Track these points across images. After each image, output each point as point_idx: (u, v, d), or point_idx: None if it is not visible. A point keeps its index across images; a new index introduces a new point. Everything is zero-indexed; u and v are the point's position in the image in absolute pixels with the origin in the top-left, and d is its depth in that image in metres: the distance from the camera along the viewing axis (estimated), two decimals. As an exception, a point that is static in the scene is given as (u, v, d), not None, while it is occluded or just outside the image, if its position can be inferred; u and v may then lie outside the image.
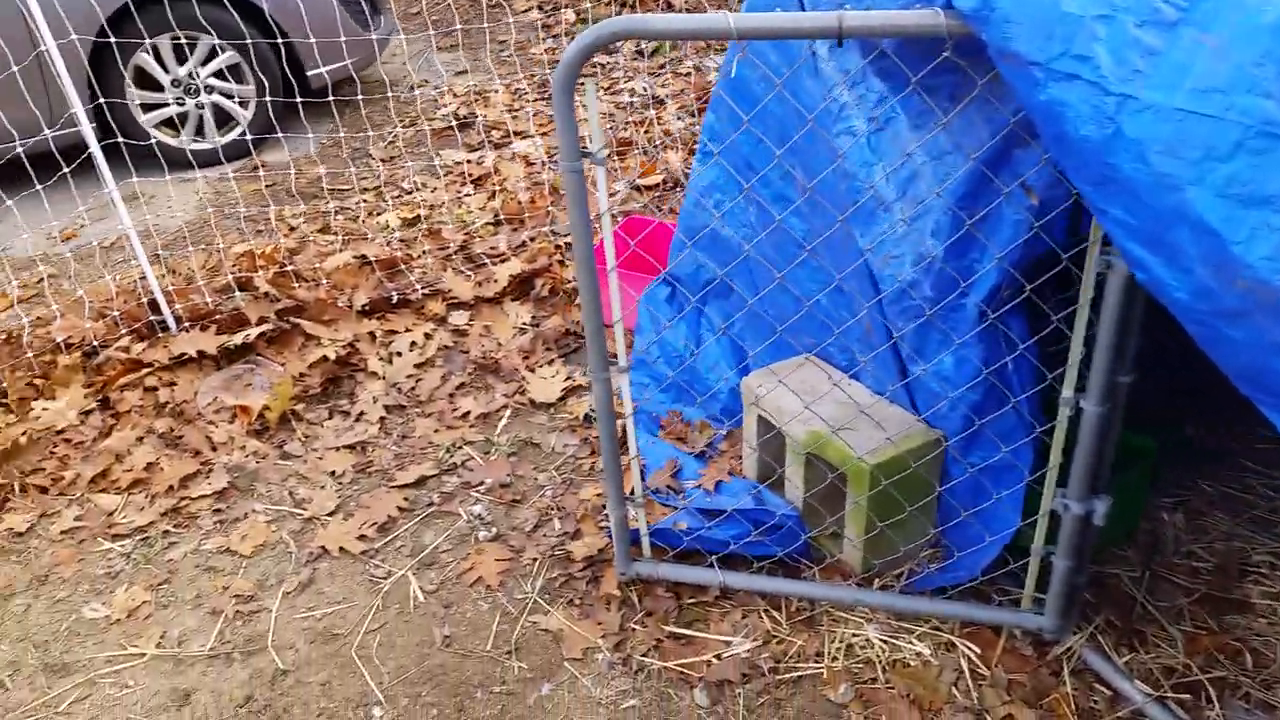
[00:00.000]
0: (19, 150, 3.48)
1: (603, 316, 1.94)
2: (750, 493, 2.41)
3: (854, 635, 2.17)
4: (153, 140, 4.50)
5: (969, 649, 2.11)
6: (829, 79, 2.08)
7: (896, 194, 2.01)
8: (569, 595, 2.31)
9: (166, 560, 2.49)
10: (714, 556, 2.28)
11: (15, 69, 3.77)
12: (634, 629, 2.20)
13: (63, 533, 2.60)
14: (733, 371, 2.83)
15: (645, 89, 5.33)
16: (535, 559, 2.42)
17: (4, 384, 2.98)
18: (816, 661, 2.11)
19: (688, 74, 5.45)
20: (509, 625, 2.24)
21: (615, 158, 4.48)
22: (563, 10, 6.70)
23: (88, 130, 2.95)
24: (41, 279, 3.79)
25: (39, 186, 3.36)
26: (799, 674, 2.09)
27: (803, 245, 2.36)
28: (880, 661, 2.10)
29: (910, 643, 2.14)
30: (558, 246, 3.70)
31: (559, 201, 4.02)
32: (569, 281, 3.47)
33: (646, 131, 4.74)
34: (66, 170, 3.34)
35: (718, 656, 2.12)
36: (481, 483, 2.69)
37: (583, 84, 1.75)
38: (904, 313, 2.04)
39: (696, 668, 2.10)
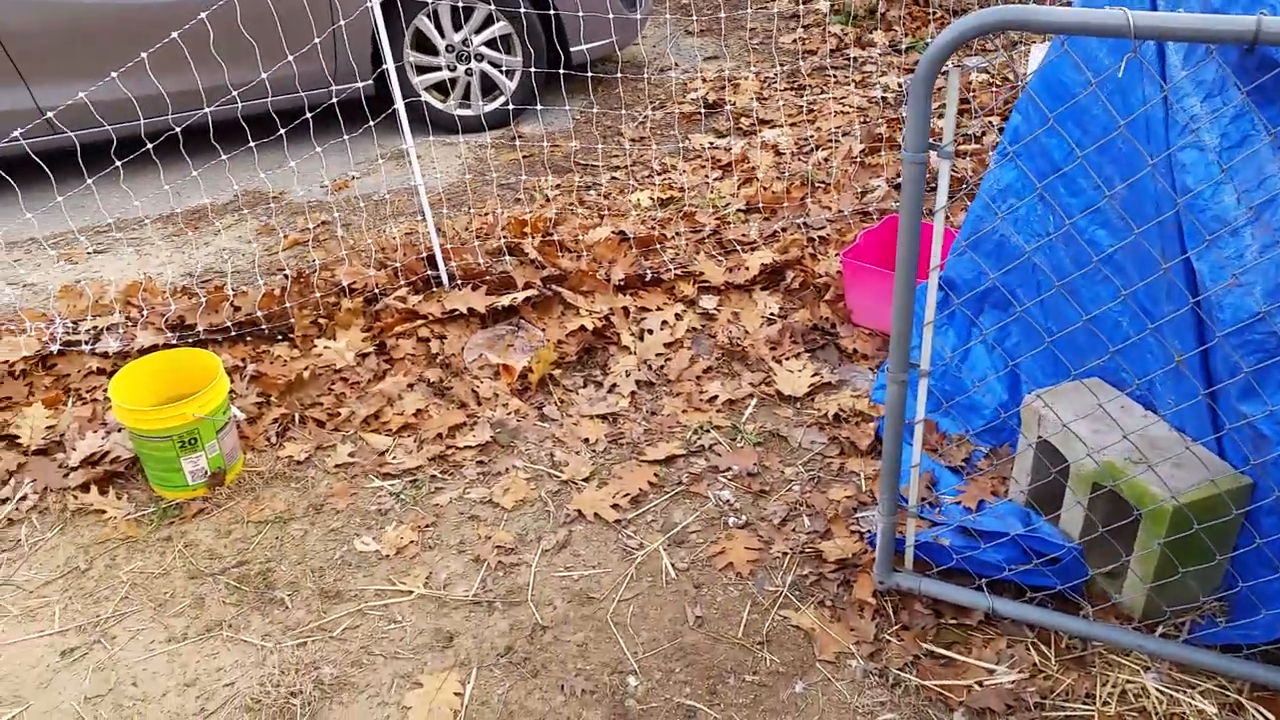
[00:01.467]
0: (306, 101, 3.75)
1: (909, 315, 1.87)
2: (1021, 518, 2.29)
3: (1129, 681, 2.02)
4: (423, 102, 4.75)
5: (1261, 714, 1.93)
6: (1180, 88, 1.93)
7: (1249, 218, 1.84)
8: (820, 595, 2.27)
9: (433, 504, 2.62)
10: (982, 580, 2.18)
11: (320, 34, 4.06)
12: (889, 640, 2.14)
13: (337, 466, 2.78)
14: (1000, 386, 2.70)
15: (901, 84, 5.18)
16: (785, 553, 2.39)
17: (292, 320, 3.21)
18: (1086, 703, 1.99)
19: (944, 71, 5.25)
20: (759, 616, 2.23)
21: (868, 153, 4.37)
22: (814, 1, 6.60)
23: (396, 85, 3.12)
24: (320, 224, 4.07)
25: (317, 147, 3.61)
26: (1067, 713, 1.97)
27: (1110, 261, 2.21)
28: (1157, 713, 1.95)
29: (1193, 698, 1.98)
30: (810, 240, 3.64)
31: (813, 194, 3.96)
32: (820, 276, 3.41)
33: (900, 128, 4.60)
34: (343, 129, 3.56)
35: (979, 683, 2.03)
36: (729, 469, 2.68)
37: (946, 73, 1.68)
38: (1244, 346, 1.87)
39: (956, 691, 2.02)
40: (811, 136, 4.60)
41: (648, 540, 2.46)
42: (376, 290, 3.32)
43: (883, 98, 5.03)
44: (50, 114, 3.60)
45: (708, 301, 3.37)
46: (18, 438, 2.83)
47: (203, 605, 2.35)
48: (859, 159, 4.32)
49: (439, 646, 2.21)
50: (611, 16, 4.62)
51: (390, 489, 2.69)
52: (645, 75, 5.49)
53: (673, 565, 2.38)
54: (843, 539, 2.40)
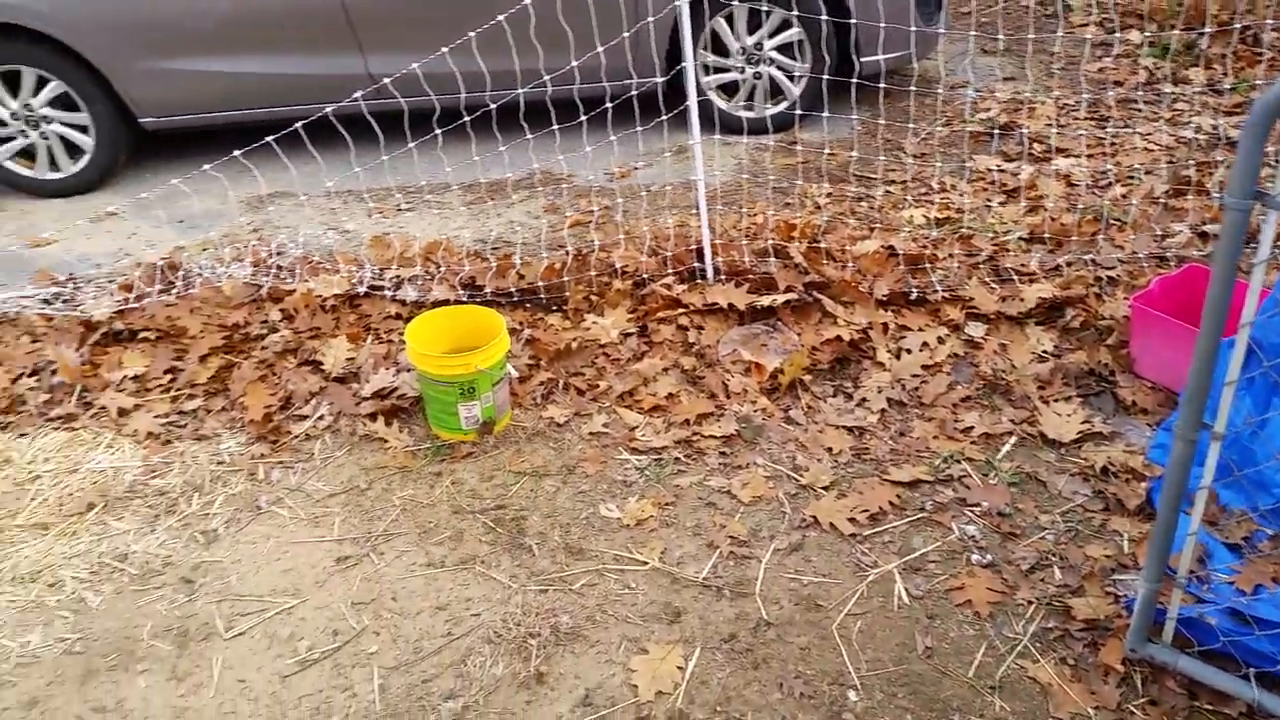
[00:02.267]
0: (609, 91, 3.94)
1: (1208, 371, 1.74)
2: (1310, 612, 2.07)
3: None
4: (710, 101, 4.88)
5: None
6: None
7: None
8: (1062, 652, 2.16)
9: (674, 485, 2.71)
10: (1249, 669, 1.99)
11: (629, 28, 4.26)
12: (1133, 713, 2.01)
13: (591, 434, 2.93)
14: (1302, 467, 2.44)
15: (1217, 126, 4.75)
16: (1030, 601, 2.29)
17: (568, 293, 3.41)
18: (1362, 834, 1.78)
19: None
20: (993, 660, 2.15)
21: (1172, 195, 4.05)
22: (1127, 31, 6.16)
23: (692, 83, 3.24)
24: (602, 208, 4.29)
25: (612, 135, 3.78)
26: (1336, 839, 1.77)
27: None
28: None
29: None
30: (1097, 279, 3.43)
31: (1106, 231, 3.72)
32: (1104, 318, 3.21)
33: (1211, 173, 4.23)
34: (638, 121, 3.71)
35: (1235, 780, 1.87)
36: (978, 504, 2.59)
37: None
38: None
39: (1205, 783, 1.87)
40: (1110, 171, 4.32)
41: (882, 560, 2.43)
42: (645, 275, 3.46)
43: (1194, 139, 4.64)
44: (386, 80, 3.99)
45: (974, 329, 3.26)
46: (322, 364, 3.19)
47: (461, 539, 2.56)
48: (1161, 200, 4.01)
49: (666, 619, 2.29)
50: (911, 29, 4.54)
51: (636, 463, 2.80)
52: (936, 91, 5.35)
53: (906, 591, 2.34)
54: (1095, 598, 2.27)
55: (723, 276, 3.43)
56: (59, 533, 2.67)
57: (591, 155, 4.40)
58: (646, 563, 2.46)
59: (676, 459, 2.81)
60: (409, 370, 3.10)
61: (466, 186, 4.58)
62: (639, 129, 4.07)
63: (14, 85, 4.61)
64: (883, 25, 4.48)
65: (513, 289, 3.44)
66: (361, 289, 3.48)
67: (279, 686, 2.18)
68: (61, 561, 2.57)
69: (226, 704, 2.15)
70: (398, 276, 3.53)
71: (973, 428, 2.86)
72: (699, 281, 3.45)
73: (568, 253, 3.64)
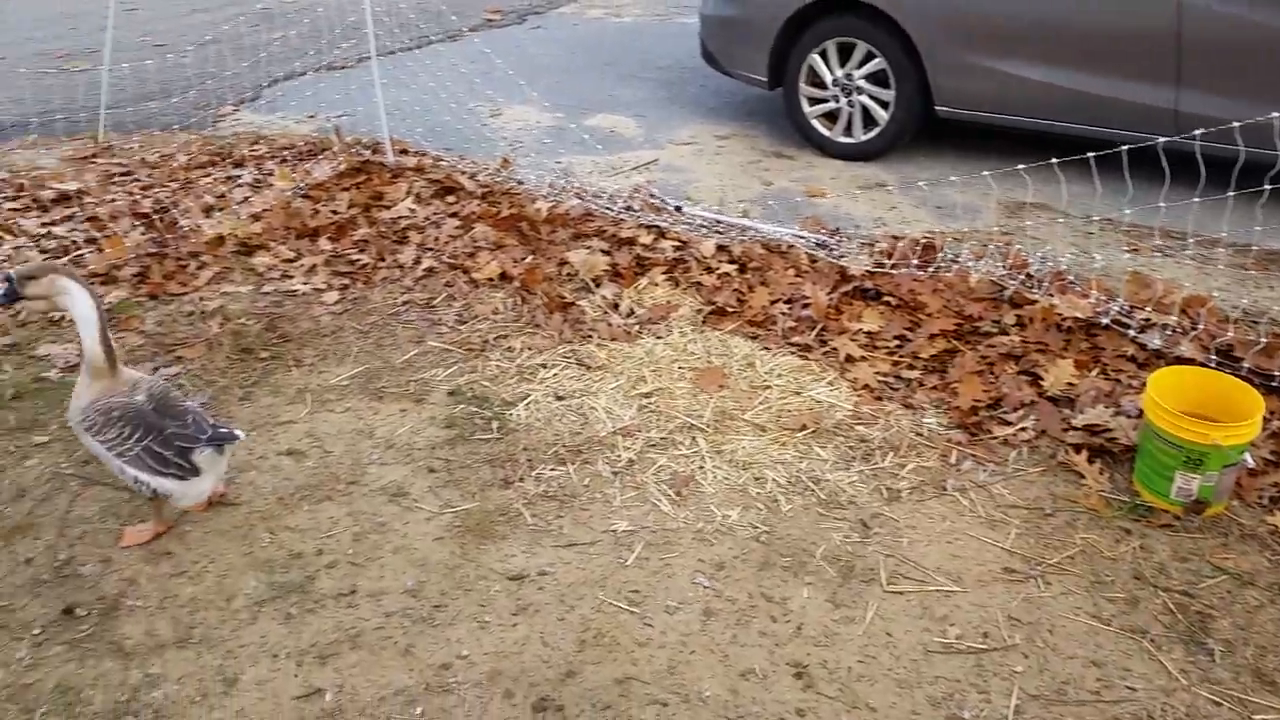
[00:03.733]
0: None
1: None
2: None
3: None
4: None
5: None
6: None
7: None
8: None
9: None
10: None
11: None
12: None
13: (1324, 564, 2.50)
14: None
15: None
16: None
17: None
18: None
19: None
20: None
21: None
22: None
23: None
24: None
25: None
26: None
27: None
28: None
29: None
30: None
31: None
32: None
33: None
34: None
35: None
36: None
37: None
38: None
39: None
40: None
41: None
42: None
43: None
44: (1234, 124, 3.68)
45: None
46: (1041, 379, 3.18)
47: (1135, 606, 2.40)
48: None
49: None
50: None
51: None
52: None
53: None
54: None
55: None
56: (772, 439, 3.09)
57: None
58: (1360, 738, 2.05)
59: None
60: (1131, 416, 2.94)
61: (1238, 248, 4.11)
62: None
63: (844, 56, 5.29)
64: None
65: (1276, 372, 3.04)
66: (1104, 320, 3.36)
67: (920, 657, 2.29)
68: (768, 463, 2.98)
69: (871, 644, 2.32)
70: (1147, 319, 3.34)
71: None
72: None
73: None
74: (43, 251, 4.25)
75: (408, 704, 2.16)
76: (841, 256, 4.05)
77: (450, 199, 4.79)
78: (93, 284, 3.93)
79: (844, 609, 2.44)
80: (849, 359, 3.43)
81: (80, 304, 2.46)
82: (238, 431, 2.58)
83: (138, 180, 5.11)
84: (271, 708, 2.15)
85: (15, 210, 4.70)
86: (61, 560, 2.59)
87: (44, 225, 4.51)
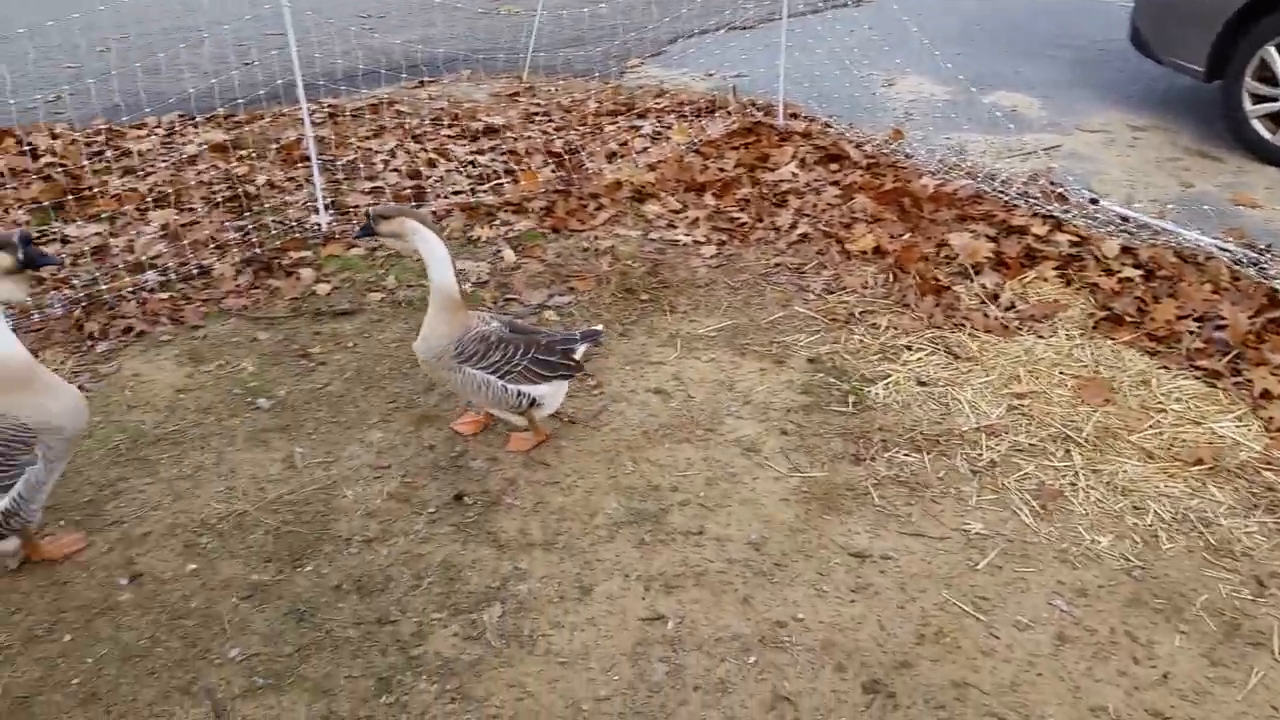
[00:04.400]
0: None
1: None
2: None
3: None
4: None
5: None
6: None
7: None
8: None
9: None
10: None
11: None
12: None
13: None
14: None
15: None
16: None
17: None
18: None
19: None
20: None
21: None
22: None
23: None
24: None
25: None
26: None
27: None
28: None
29: None
30: None
31: None
32: None
33: None
34: None
35: None
36: None
37: None
38: None
39: None
40: None
41: None
42: None
43: None
44: None
45: None
46: None
47: None
48: None
49: None
50: None
51: None
52: None
53: None
54: None
55: None
56: (1160, 468, 2.80)
57: None
58: None
59: None
60: None
61: None
62: None
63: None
64: None
65: None
66: None
67: (1312, 745, 2.00)
68: (1152, 493, 2.71)
69: (1250, 712, 2.06)
70: None
71: None
72: None
73: None
74: (467, 178, 4.79)
75: (743, 650, 2.24)
76: (1274, 278, 3.54)
77: (833, 166, 4.77)
78: (502, 211, 4.38)
79: (1222, 668, 2.18)
80: (1265, 395, 3.01)
81: (432, 244, 2.66)
82: (599, 327, 3.02)
83: (552, 121, 5.60)
84: (618, 622, 2.32)
85: (449, 137, 5.33)
86: (457, 452, 2.94)
87: (470, 154, 5.08)
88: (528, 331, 2.85)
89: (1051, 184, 4.45)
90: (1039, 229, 3.96)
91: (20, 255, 2.11)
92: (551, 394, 2.85)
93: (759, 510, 2.67)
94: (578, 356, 2.85)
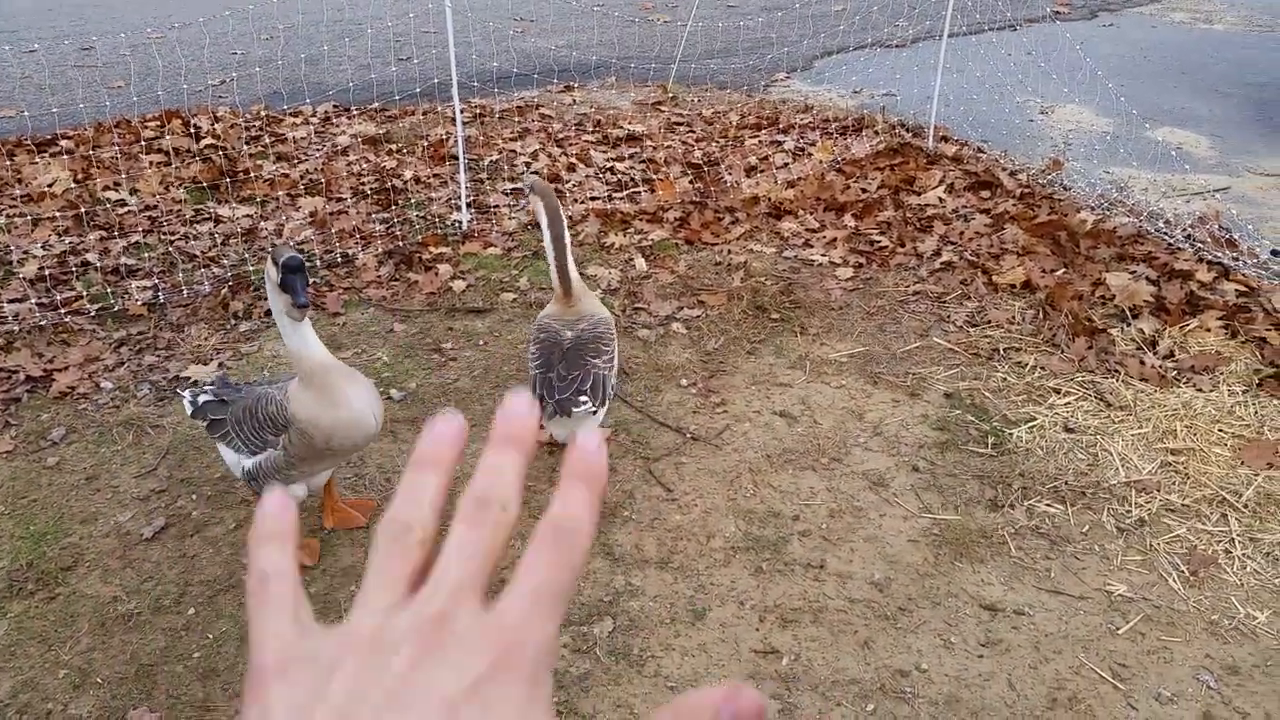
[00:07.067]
0: None
1: None
2: None
3: None
4: None
5: None
6: None
7: None
8: None
9: None
10: None
11: None
12: None
13: None
14: None
15: None
16: None
17: None
18: None
19: None
20: None
21: None
22: None
23: None
24: None
25: None
26: None
27: None
28: None
29: None
30: None
31: None
32: None
33: None
34: None
35: None
36: None
37: None
38: None
39: None
40: None
41: None
42: None
43: None
44: None
45: None
46: None
47: None
48: None
49: None
50: None
51: None
52: None
53: None
54: None
55: None
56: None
57: None
58: None
59: None
60: None
61: None
62: None
63: None
64: None
65: None
66: None
67: None
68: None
69: None
70: None
71: None
72: None
73: None
74: (605, 184, 4.80)
75: (860, 696, 2.13)
76: None
77: (984, 194, 4.58)
78: (637, 219, 4.35)
79: (1397, 779, 1.96)
80: None
81: (545, 236, 2.73)
82: (580, 410, 2.51)
83: (693, 132, 5.56)
84: (730, 651, 2.25)
85: (590, 143, 5.36)
86: (579, 457, 2.92)
87: (610, 160, 5.09)
88: (576, 363, 2.60)
89: (1221, 228, 4.16)
90: (1204, 275, 3.70)
91: (278, 276, 2.12)
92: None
93: (884, 549, 2.56)
94: (545, 410, 2.51)
